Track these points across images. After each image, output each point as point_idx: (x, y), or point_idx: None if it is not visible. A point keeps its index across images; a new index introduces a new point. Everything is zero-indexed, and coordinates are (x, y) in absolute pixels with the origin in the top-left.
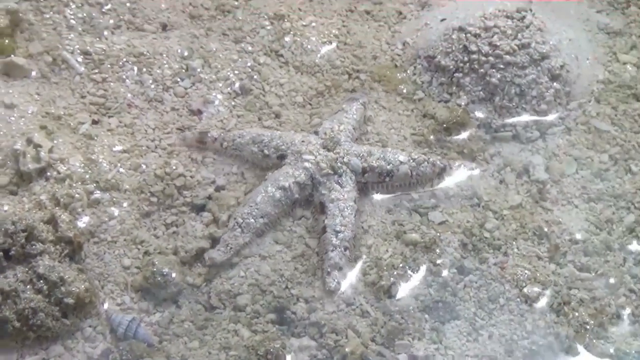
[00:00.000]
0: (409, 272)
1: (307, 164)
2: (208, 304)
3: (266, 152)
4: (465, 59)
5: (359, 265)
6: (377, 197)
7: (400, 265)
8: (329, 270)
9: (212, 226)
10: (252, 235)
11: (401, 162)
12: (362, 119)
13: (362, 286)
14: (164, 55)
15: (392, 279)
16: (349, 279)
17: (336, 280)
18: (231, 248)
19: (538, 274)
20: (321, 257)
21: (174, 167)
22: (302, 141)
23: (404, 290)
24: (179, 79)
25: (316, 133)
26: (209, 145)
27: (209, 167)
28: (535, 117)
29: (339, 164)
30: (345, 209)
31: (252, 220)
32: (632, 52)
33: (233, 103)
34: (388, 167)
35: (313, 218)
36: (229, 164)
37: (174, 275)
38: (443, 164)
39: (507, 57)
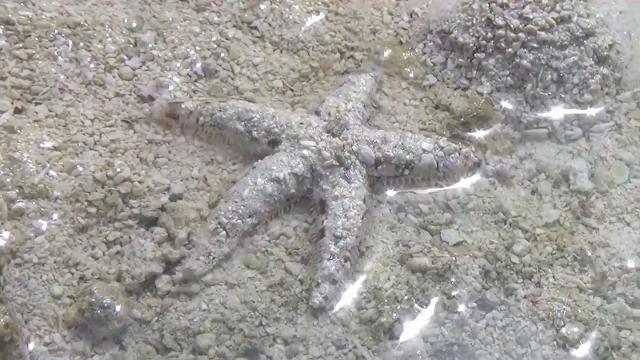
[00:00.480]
0: (417, 306)
1: (306, 152)
2: (160, 344)
3: (255, 134)
4: (489, 35)
5: (355, 290)
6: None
7: (405, 297)
8: (319, 281)
9: (165, 245)
10: (239, 239)
11: (424, 151)
12: (373, 94)
13: (357, 324)
14: (107, 27)
15: (394, 314)
16: (343, 300)
17: (323, 294)
18: (214, 257)
19: (579, 311)
20: (314, 265)
21: (119, 170)
22: (301, 123)
23: (409, 330)
24: (125, 57)
25: (317, 113)
26: (181, 120)
27: (163, 170)
28: (577, 110)
29: (346, 154)
30: (351, 209)
31: (239, 220)
32: None
33: (193, 87)
34: (407, 156)
35: (311, 217)
36: (187, 166)
37: (117, 307)
38: (477, 158)
39: (542, 34)
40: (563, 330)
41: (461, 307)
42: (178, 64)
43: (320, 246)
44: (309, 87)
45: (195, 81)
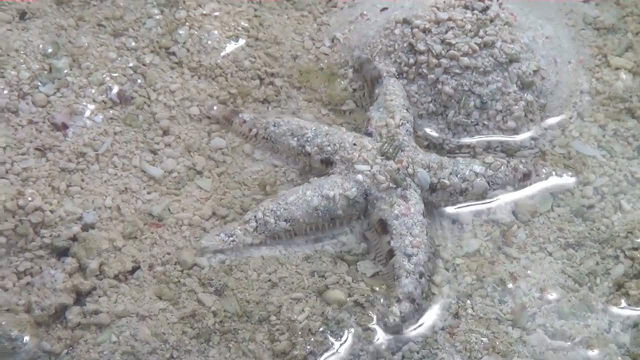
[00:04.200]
0: (331, 338)
1: (360, 177)
2: None
3: (308, 148)
4: (411, 60)
5: (269, 321)
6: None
7: (320, 329)
8: (399, 297)
9: (77, 276)
10: (264, 238)
11: (477, 175)
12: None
13: (270, 356)
14: (21, 52)
15: (308, 347)
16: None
17: (403, 313)
18: (233, 241)
19: (498, 342)
20: (389, 285)
21: (30, 199)
22: (354, 144)
23: None
24: (39, 83)
25: (368, 133)
26: (235, 127)
27: (75, 199)
28: (501, 137)
29: (401, 176)
30: (414, 227)
31: (272, 220)
32: (626, 55)
33: (109, 115)
34: (463, 185)
35: (371, 237)
36: (101, 195)
37: (25, 339)
38: (527, 169)
39: (465, 60)
40: None
41: (377, 339)
42: (93, 91)
43: (394, 266)
44: None
45: (111, 108)
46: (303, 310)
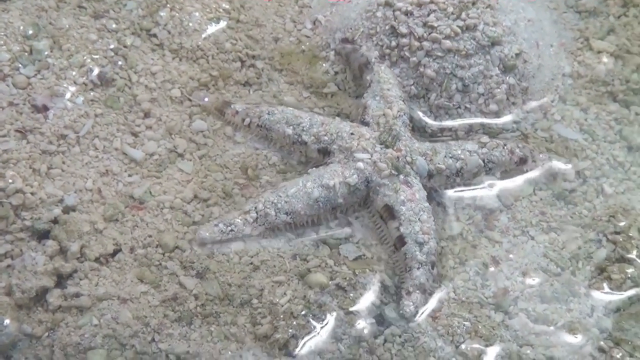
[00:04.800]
0: (313, 322)
1: (361, 164)
2: None
3: (305, 137)
4: (393, 43)
5: (251, 305)
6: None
7: (302, 313)
8: (410, 290)
9: (58, 259)
10: (264, 229)
11: (470, 152)
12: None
13: (252, 340)
14: (1, 34)
15: (290, 330)
16: (239, 316)
17: (415, 303)
18: (232, 231)
19: (480, 327)
20: (400, 276)
21: (10, 181)
22: (352, 133)
23: (306, 346)
24: (19, 65)
25: (364, 123)
26: (227, 118)
27: (56, 181)
28: (483, 120)
29: (401, 163)
30: (422, 213)
31: (273, 212)
32: (608, 38)
33: (90, 97)
34: (457, 164)
35: (373, 223)
36: (82, 178)
37: (6, 322)
38: (524, 154)
39: (447, 43)
40: (463, 346)
41: (359, 323)
42: (74, 73)
43: (405, 254)
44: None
45: (92, 90)
46: (285, 293)
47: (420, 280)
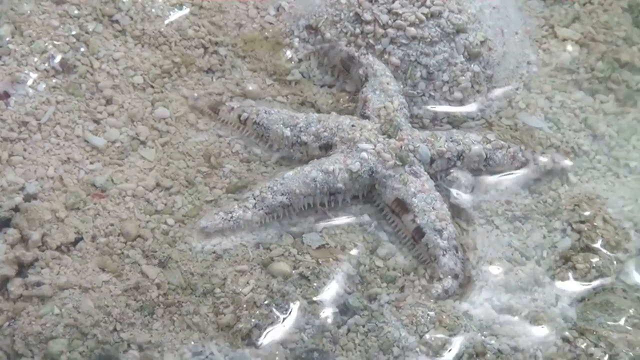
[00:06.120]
0: (276, 311)
1: (364, 154)
2: (11, 350)
3: (304, 137)
4: (358, 30)
5: (213, 294)
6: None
7: (265, 302)
8: (441, 277)
9: (18, 247)
10: (263, 214)
11: (473, 142)
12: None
13: (214, 329)
14: None
15: (253, 320)
16: (200, 306)
17: (446, 288)
18: (232, 217)
19: (444, 316)
20: (427, 264)
21: None
22: (353, 126)
23: (268, 336)
24: None
25: (365, 116)
26: (222, 115)
27: (17, 169)
28: (447, 108)
29: (405, 152)
30: (435, 201)
31: (270, 195)
32: (573, 26)
33: (52, 83)
34: (458, 147)
35: (384, 217)
36: (43, 165)
37: None
38: (525, 157)
39: (412, 30)
40: (427, 336)
41: (322, 313)
42: (35, 59)
43: (427, 245)
44: (170, 83)
45: (53, 76)
46: (248, 282)
47: (450, 266)
